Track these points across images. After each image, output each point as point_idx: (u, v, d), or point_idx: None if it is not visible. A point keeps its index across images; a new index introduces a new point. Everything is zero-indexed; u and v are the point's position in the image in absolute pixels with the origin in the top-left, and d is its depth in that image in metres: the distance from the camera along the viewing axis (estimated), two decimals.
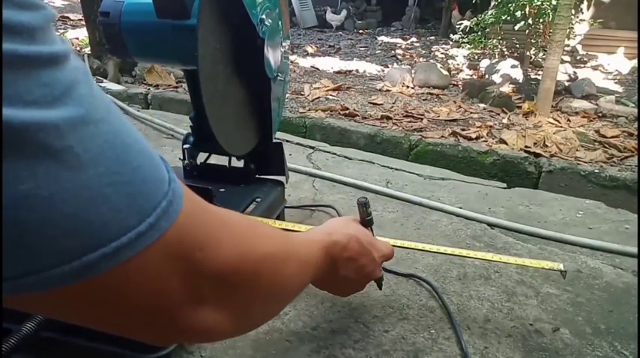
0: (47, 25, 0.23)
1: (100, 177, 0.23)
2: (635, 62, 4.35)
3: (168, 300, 0.29)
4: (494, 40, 4.70)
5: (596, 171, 1.87)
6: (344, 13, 7.20)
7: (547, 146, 2.38)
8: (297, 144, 1.59)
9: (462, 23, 4.89)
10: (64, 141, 0.22)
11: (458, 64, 4.62)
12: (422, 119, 2.84)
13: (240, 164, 0.93)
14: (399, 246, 0.74)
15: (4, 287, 0.22)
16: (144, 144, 0.27)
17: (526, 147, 2.37)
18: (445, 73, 3.86)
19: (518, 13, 3.89)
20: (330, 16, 7.18)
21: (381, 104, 3.14)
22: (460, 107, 3.12)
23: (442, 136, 2.48)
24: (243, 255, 0.33)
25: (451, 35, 5.81)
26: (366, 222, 0.65)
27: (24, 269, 0.22)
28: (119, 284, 0.26)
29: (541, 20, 3.93)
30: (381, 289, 0.72)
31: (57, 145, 0.21)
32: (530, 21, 3.94)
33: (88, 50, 3.54)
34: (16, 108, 0.20)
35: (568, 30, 3.48)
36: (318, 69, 4.34)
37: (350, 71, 4.29)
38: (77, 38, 4.43)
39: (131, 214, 0.25)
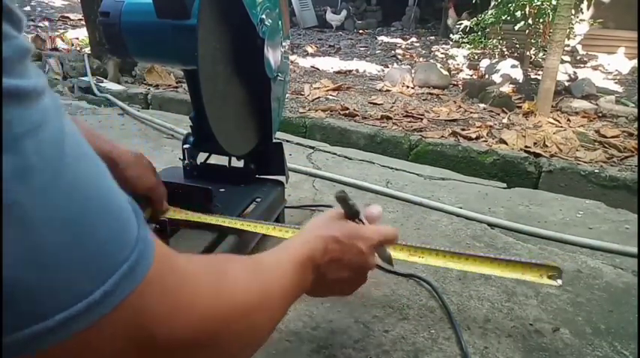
0: (21, 56, 0.21)
1: (52, 236, 0.21)
2: (635, 62, 4.35)
3: None
4: (494, 40, 4.70)
5: (596, 171, 1.87)
6: (344, 13, 7.21)
7: (547, 146, 2.38)
8: (297, 144, 1.59)
9: (461, 23, 4.89)
10: (12, 195, 0.19)
11: (458, 64, 4.62)
12: (422, 119, 2.84)
13: (240, 164, 0.93)
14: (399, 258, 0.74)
15: None
16: (112, 196, 0.25)
17: (526, 147, 2.37)
18: (445, 73, 3.86)
19: (518, 13, 3.88)
20: (330, 16, 7.19)
21: (381, 104, 3.14)
22: (460, 107, 3.12)
23: (442, 136, 2.48)
24: (207, 320, 0.30)
25: (451, 35, 5.82)
26: (351, 215, 0.62)
27: None
28: None
29: (541, 20, 3.93)
30: (392, 266, 0.68)
31: (6, 199, 0.19)
32: (530, 21, 3.94)
33: (88, 50, 3.54)
34: None
35: (568, 30, 3.48)
36: (318, 69, 4.34)
37: (350, 71, 4.29)
38: (77, 38, 4.43)
39: (85, 279, 0.22)
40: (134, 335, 0.24)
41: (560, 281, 0.66)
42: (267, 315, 0.40)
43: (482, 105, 3.19)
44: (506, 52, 4.67)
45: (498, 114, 3.01)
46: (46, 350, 0.21)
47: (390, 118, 2.81)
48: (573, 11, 3.49)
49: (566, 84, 3.53)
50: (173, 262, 0.29)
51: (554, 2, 3.48)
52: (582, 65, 4.56)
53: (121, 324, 0.23)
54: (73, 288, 0.21)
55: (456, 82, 3.89)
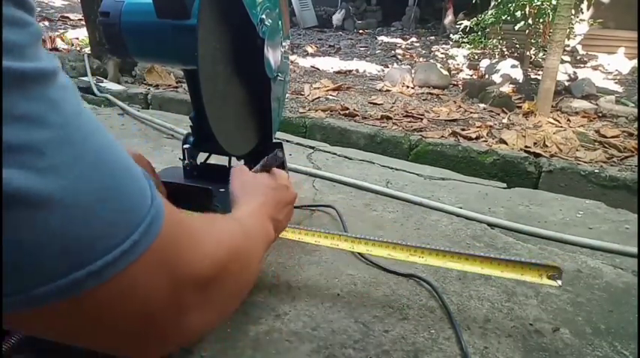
0: (35, 41, 0.23)
1: (86, 197, 0.24)
2: (635, 62, 4.35)
3: (156, 314, 0.29)
4: (494, 40, 4.70)
5: (596, 171, 1.87)
6: (342, 12, 7.26)
7: (547, 146, 2.38)
8: (297, 144, 1.59)
9: (461, 24, 4.89)
10: (49, 162, 0.22)
11: (458, 64, 4.62)
12: (422, 119, 2.84)
13: (240, 164, 0.93)
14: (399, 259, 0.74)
15: None
16: (128, 161, 0.28)
17: (526, 147, 2.37)
18: (445, 73, 3.86)
19: (518, 13, 3.89)
20: (335, 16, 7.31)
21: (381, 104, 3.14)
22: (460, 107, 3.12)
23: (442, 136, 2.48)
24: (218, 258, 0.36)
25: (451, 35, 5.83)
26: (266, 167, 0.71)
27: (11, 288, 0.22)
28: (105, 300, 0.26)
29: (541, 20, 3.93)
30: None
31: (42, 164, 0.22)
32: (530, 21, 3.94)
33: (88, 50, 3.53)
34: (5, 123, 0.20)
35: (568, 30, 3.48)
36: (318, 69, 4.34)
37: (350, 71, 4.29)
38: (77, 38, 4.43)
39: (116, 232, 0.25)
40: (161, 275, 0.29)
41: (559, 282, 0.66)
42: (251, 254, 0.46)
43: (482, 105, 3.19)
44: (506, 52, 4.67)
45: (498, 114, 3.01)
46: (94, 291, 0.24)
47: (390, 118, 2.81)
48: (573, 11, 3.49)
49: (566, 84, 3.53)
50: (179, 216, 0.33)
51: (554, 2, 3.48)
52: (582, 65, 4.56)
53: (148, 267, 0.27)
54: (108, 240, 0.25)
55: (456, 82, 3.89)
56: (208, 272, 0.34)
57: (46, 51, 0.24)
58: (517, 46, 4.69)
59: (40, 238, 0.22)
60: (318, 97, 3.27)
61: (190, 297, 0.32)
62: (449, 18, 6.34)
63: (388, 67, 4.35)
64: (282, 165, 0.94)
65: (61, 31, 4.99)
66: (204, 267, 0.33)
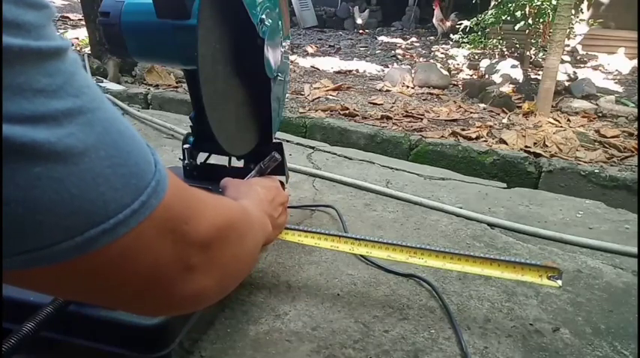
0: (50, 22, 0.25)
1: (100, 161, 0.26)
2: (635, 62, 4.35)
3: (163, 271, 0.32)
4: (494, 40, 4.70)
5: (596, 171, 1.87)
6: (367, 12, 7.44)
7: (547, 146, 2.38)
8: (297, 144, 1.59)
9: (461, 23, 4.89)
10: (68, 129, 0.24)
11: (458, 64, 4.62)
12: (422, 119, 2.84)
13: (240, 164, 0.93)
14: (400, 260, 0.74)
15: (11, 263, 0.24)
16: (132, 130, 0.30)
17: (526, 147, 2.37)
18: (445, 73, 3.86)
19: (518, 13, 3.89)
20: (359, 15, 7.38)
21: (381, 104, 3.14)
22: (460, 107, 3.12)
23: (442, 136, 2.48)
24: (218, 223, 0.38)
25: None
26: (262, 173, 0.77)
27: (31, 245, 0.24)
28: (116, 257, 0.28)
29: (541, 20, 3.93)
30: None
31: (60, 129, 0.24)
32: (530, 21, 3.95)
33: (88, 50, 3.53)
34: (26, 96, 0.22)
35: (568, 30, 3.48)
36: (318, 69, 4.34)
37: (350, 71, 4.29)
38: (77, 38, 4.43)
39: (126, 193, 0.27)
40: (167, 235, 0.31)
41: (560, 282, 0.66)
42: (250, 230, 0.48)
43: (482, 105, 3.19)
44: (506, 52, 4.67)
45: (498, 114, 3.01)
46: (107, 249, 0.27)
47: (390, 118, 2.81)
48: (573, 11, 3.49)
49: (566, 84, 3.52)
50: (183, 183, 0.35)
51: (554, 2, 3.48)
52: (582, 65, 4.56)
53: (155, 227, 0.30)
54: (119, 200, 0.27)
55: (456, 82, 3.89)
56: (211, 234, 0.36)
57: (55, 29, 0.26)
58: (517, 46, 4.69)
59: (59, 195, 0.24)
60: (318, 97, 3.27)
61: (195, 256, 0.34)
62: (436, 17, 6.37)
63: (388, 67, 4.35)
64: (281, 166, 0.94)
65: (61, 31, 4.99)
66: (207, 229, 0.36)
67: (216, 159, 0.91)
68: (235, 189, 0.67)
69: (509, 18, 4.05)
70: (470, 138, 2.50)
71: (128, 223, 0.27)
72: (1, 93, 0.21)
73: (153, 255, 0.30)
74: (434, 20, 6.43)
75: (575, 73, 3.93)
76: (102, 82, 2.84)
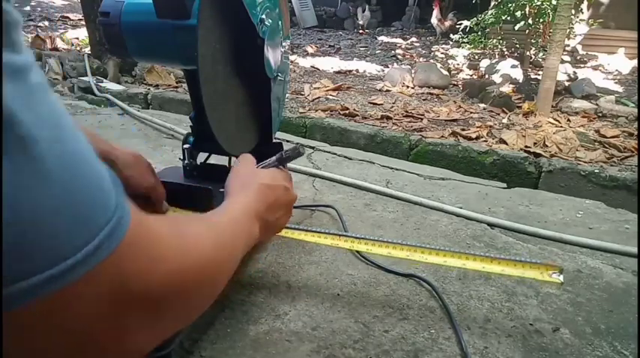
0: (10, 28, 0.22)
1: (49, 201, 0.23)
2: (635, 62, 4.35)
3: (101, 331, 0.28)
4: (495, 40, 4.70)
5: (596, 171, 1.87)
6: (368, 12, 7.47)
7: (547, 146, 2.38)
8: (297, 144, 1.59)
9: (461, 23, 4.89)
10: (14, 164, 0.21)
11: (458, 64, 4.62)
12: (422, 119, 2.84)
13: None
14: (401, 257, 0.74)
15: None
16: (95, 165, 0.27)
17: (526, 147, 2.37)
18: (445, 73, 3.86)
19: (519, 13, 3.89)
20: (362, 15, 7.40)
21: (381, 104, 3.14)
22: (460, 107, 3.12)
23: (442, 136, 2.48)
24: (175, 275, 0.33)
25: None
26: (281, 162, 0.71)
27: None
28: (46, 313, 0.24)
29: (541, 20, 3.93)
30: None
31: (9, 169, 0.21)
32: (530, 21, 3.94)
33: (88, 50, 3.53)
34: None
35: (568, 30, 3.48)
36: (318, 69, 4.34)
37: (350, 71, 4.29)
38: (77, 38, 4.43)
39: (71, 241, 0.24)
40: (114, 289, 0.27)
41: (561, 278, 0.66)
42: (222, 266, 0.43)
43: (482, 105, 3.19)
44: (506, 52, 4.67)
45: (498, 114, 3.01)
46: (42, 299, 0.23)
47: (390, 118, 2.81)
48: (573, 11, 3.49)
49: (566, 84, 3.52)
50: (145, 225, 0.31)
51: (554, 2, 3.48)
52: (582, 65, 4.56)
53: (102, 280, 0.26)
54: (60, 249, 0.23)
55: (456, 82, 3.89)
56: (166, 290, 0.32)
57: (25, 43, 0.24)
58: (517, 46, 4.69)
59: None
60: (318, 97, 3.27)
61: (137, 318, 0.30)
62: (435, 17, 6.38)
63: (388, 67, 4.35)
64: (281, 164, 0.94)
65: (61, 31, 4.99)
66: (164, 282, 0.31)
67: (216, 159, 0.91)
68: (237, 175, 0.63)
69: (509, 18, 4.05)
70: (470, 138, 2.50)
71: (68, 275, 0.24)
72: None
73: (91, 314, 0.27)
74: (432, 20, 6.44)
75: (575, 73, 3.93)
76: (102, 81, 2.84)
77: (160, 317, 0.32)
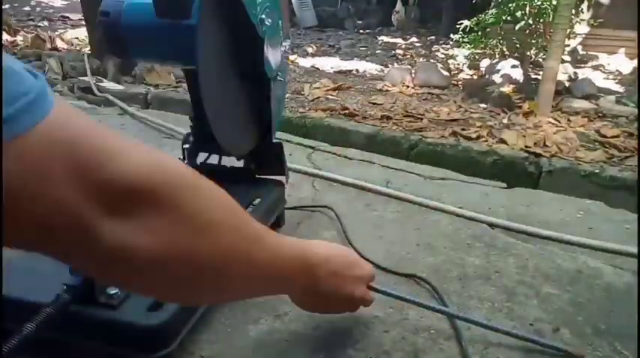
0: None
1: None
2: (635, 62, 4.35)
3: (65, 212, 0.29)
4: (495, 40, 4.69)
5: (596, 171, 1.87)
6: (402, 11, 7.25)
7: (547, 146, 2.37)
8: (297, 144, 1.59)
9: (461, 23, 4.88)
10: None
11: (458, 64, 4.62)
12: (422, 119, 2.84)
13: (240, 164, 0.93)
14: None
15: None
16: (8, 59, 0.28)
17: (526, 147, 2.36)
18: (445, 72, 3.86)
19: (519, 13, 3.88)
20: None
21: (381, 104, 3.14)
22: (460, 107, 3.11)
23: (442, 136, 2.48)
24: (159, 175, 0.34)
25: (451, 35, 5.83)
26: None
27: None
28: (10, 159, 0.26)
29: (541, 20, 3.93)
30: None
31: None
32: (530, 21, 3.94)
33: (88, 50, 3.53)
34: None
35: (568, 30, 3.48)
36: (318, 69, 4.33)
37: (350, 71, 4.28)
38: (77, 38, 4.43)
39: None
40: (67, 165, 0.29)
41: None
42: (243, 240, 0.42)
43: (482, 105, 3.18)
44: (506, 52, 4.66)
45: (498, 114, 3.00)
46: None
47: (390, 118, 2.81)
48: (573, 11, 3.49)
49: (567, 84, 3.52)
50: (75, 115, 0.32)
51: (554, 2, 3.48)
52: (583, 65, 4.55)
53: (43, 145, 0.28)
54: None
55: (456, 82, 3.89)
56: (136, 184, 0.32)
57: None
58: (517, 46, 4.67)
59: None
60: (318, 97, 3.27)
61: (99, 209, 0.31)
62: (396, 9, 6.36)
63: (388, 67, 4.35)
64: (281, 166, 0.94)
65: (61, 31, 4.99)
66: (139, 176, 0.32)
67: (216, 159, 0.91)
68: (331, 249, 0.59)
69: (509, 18, 4.05)
70: (470, 138, 2.49)
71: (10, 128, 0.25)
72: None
73: (49, 182, 0.28)
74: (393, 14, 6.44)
75: (575, 73, 3.93)
76: (102, 81, 2.84)
77: (125, 218, 0.32)
